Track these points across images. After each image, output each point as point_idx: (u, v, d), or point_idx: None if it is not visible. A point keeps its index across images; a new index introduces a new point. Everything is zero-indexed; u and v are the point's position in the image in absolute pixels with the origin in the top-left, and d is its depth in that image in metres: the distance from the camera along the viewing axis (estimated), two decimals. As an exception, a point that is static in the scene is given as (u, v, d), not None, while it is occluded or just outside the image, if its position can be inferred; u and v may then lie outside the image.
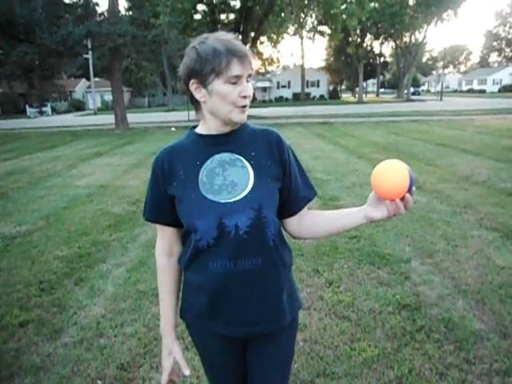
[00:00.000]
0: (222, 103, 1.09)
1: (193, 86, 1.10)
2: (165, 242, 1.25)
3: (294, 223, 1.24)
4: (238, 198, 1.11)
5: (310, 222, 1.24)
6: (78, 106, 43.01)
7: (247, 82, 1.10)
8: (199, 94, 1.11)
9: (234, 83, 1.07)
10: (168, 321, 1.26)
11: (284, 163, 1.19)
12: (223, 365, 1.29)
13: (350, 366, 2.24)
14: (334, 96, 53.67)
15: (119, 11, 17.64)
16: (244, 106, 1.11)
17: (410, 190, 1.00)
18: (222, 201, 1.10)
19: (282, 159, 1.19)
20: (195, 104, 1.15)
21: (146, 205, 1.24)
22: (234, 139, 1.17)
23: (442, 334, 2.48)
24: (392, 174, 0.99)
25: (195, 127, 1.22)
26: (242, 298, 1.15)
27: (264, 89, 52.61)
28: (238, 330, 1.19)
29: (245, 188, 1.12)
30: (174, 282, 1.27)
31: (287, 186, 1.20)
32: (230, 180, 1.12)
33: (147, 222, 1.26)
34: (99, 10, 17.70)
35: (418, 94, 58.19)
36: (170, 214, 1.18)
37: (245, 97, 1.09)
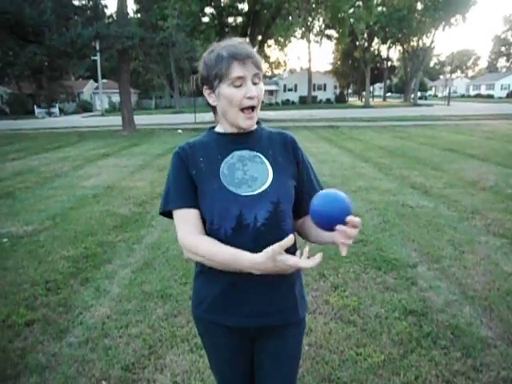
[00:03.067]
0: (228, 106, 1.15)
1: (205, 91, 1.19)
2: (191, 225, 1.16)
3: (298, 224, 1.29)
4: (258, 191, 1.15)
5: (309, 227, 1.25)
6: (86, 107, 43.28)
7: (255, 83, 1.14)
8: (211, 98, 1.19)
9: (239, 86, 1.12)
10: (243, 253, 1.07)
11: (298, 163, 1.26)
12: (231, 361, 1.30)
13: (355, 371, 2.22)
14: (340, 100, 53.54)
15: (128, 13, 17.78)
16: (251, 108, 1.15)
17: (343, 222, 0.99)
18: (243, 193, 1.14)
19: (297, 159, 1.26)
20: (212, 108, 1.22)
21: (167, 196, 1.20)
22: (252, 138, 1.23)
23: (448, 340, 2.46)
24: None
25: (213, 127, 1.28)
26: (254, 289, 1.16)
27: (271, 92, 52.62)
28: (248, 320, 1.20)
29: (265, 182, 1.17)
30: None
31: (300, 187, 1.25)
32: (250, 175, 1.17)
33: (175, 209, 1.18)
34: (108, 12, 18.10)
35: (425, 99, 57.96)
36: (196, 197, 1.18)
37: (250, 98, 1.13)
